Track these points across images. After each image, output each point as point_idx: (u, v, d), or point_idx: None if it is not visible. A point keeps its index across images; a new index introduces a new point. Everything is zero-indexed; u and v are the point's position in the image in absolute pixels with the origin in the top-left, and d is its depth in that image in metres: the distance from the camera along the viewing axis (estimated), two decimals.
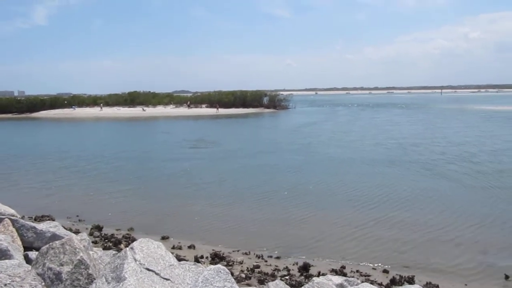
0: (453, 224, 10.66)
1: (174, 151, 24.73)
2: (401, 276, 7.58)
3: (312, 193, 14.09)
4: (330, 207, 12.34)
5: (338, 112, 65.01)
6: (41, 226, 4.80)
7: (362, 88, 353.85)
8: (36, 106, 68.14)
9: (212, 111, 62.34)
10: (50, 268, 3.43)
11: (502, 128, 34.98)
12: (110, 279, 3.04)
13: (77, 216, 11.84)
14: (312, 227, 10.60)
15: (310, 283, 4.02)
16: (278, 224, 10.91)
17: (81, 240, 4.10)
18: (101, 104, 69.69)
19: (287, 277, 7.60)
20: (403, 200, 12.90)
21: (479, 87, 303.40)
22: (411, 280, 7.41)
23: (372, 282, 6.97)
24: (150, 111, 65.33)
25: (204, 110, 65.04)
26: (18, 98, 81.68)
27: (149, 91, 77.79)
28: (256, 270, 7.97)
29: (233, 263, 8.29)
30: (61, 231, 4.85)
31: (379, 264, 8.31)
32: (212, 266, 3.39)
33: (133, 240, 8.70)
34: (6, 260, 3.44)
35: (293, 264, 8.31)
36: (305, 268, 8.00)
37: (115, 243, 9.31)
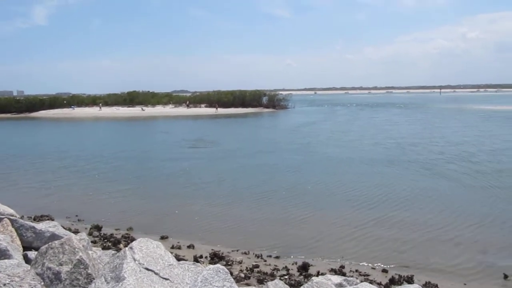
0: (452, 223, 10.67)
1: (173, 151, 24.72)
2: (400, 276, 7.59)
3: (311, 192, 14.10)
4: (329, 207, 12.35)
5: (337, 111, 65.03)
6: (40, 226, 4.80)
7: (361, 88, 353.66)
8: (35, 106, 68.04)
9: (211, 110, 62.33)
10: (49, 268, 3.42)
11: (501, 127, 35.02)
12: (109, 278, 3.04)
13: (76, 216, 11.84)
14: (311, 227, 10.61)
15: (309, 282, 4.03)
16: (277, 224, 10.92)
17: (80, 240, 4.11)
18: (100, 104, 69.61)
19: (286, 277, 7.60)
20: (402, 200, 12.91)
21: (478, 86, 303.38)
22: (410, 280, 7.42)
23: (371, 282, 6.98)
24: (149, 110, 65.26)
25: (203, 110, 64.98)
26: (17, 98, 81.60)
27: (148, 91, 77.88)
28: (255, 269, 7.98)
29: (232, 263, 8.30)
30: (60, 231, 4.85)
31: (378, 264, 8.31)
32: (211, 266, 3.39)
33: (132, 240, 8.71)
34: (5, 260, 3.43)
35: (292, 264, 8.32)
36: (304, 268, 8.01)
37: (114, 242, 9.32)
